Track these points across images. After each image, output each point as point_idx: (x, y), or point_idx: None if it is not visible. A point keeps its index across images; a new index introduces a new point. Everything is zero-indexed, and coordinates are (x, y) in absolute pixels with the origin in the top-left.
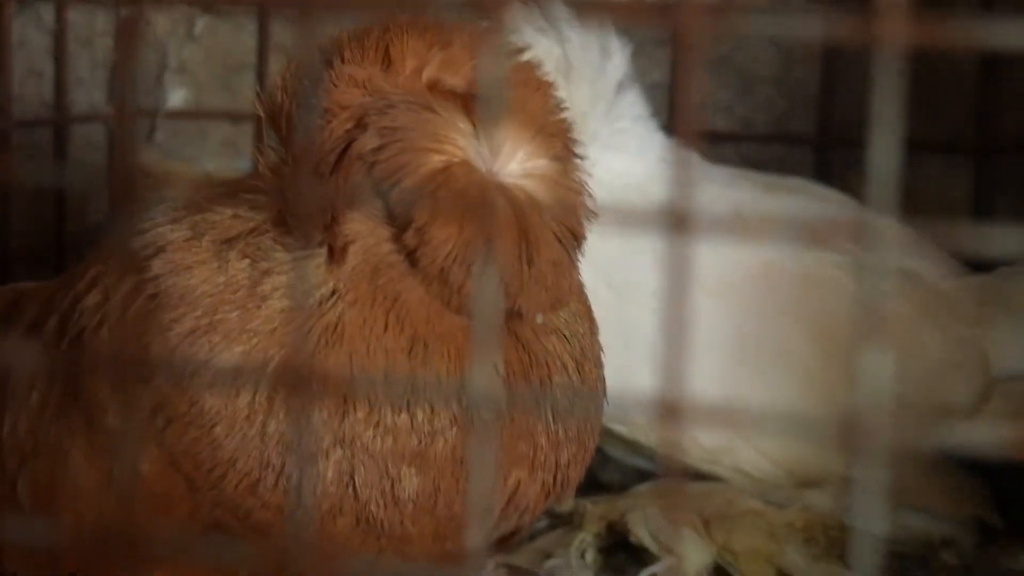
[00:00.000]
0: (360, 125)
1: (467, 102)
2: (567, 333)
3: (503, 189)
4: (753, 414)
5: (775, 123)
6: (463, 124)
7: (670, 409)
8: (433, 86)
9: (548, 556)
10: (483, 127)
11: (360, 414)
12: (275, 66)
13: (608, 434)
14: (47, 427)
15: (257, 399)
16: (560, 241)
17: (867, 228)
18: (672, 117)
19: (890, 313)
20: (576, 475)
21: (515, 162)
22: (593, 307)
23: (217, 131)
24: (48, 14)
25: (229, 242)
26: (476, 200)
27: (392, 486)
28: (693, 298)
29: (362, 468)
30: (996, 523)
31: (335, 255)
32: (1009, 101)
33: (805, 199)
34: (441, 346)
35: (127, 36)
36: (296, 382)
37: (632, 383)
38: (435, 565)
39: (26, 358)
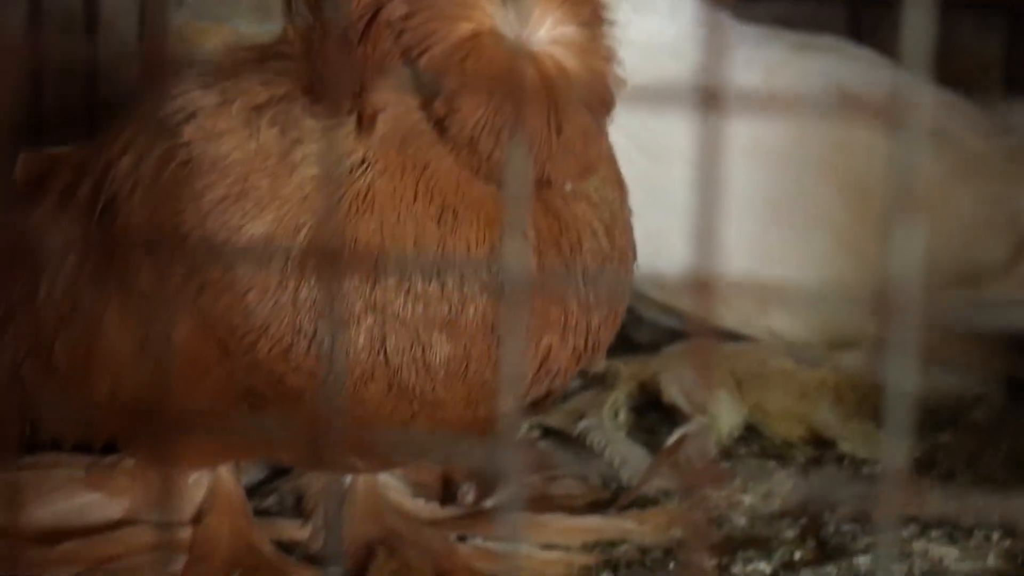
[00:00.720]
0: None
1: None
2: (597, 200)
3: (532, 56)
4: (786, 288)
5: None
6: None
7: (703, 284)
8: None
9: (580, 416)
10: None
11: (391, 281)
12: None
13: (641, 296)
14: (82, 292)
15: (289, 266)
16: (589, 108)
17: (900, 90)
18: None
19: (921, 174)
20: (607, 338)
21: (544, 29)
22: (625, 171)
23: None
24: None
25: (259, 109)
26: (504, 68)
27: (423, 352)
28: (726, 167)
29: (393, 335)
30: None
31: (364, 123)
32: None
33: (837, 58)
34: (470, 214)
35: None
36: (327, 249)
37: (664, 247)
38: (467, 431)
39: (60, 223)
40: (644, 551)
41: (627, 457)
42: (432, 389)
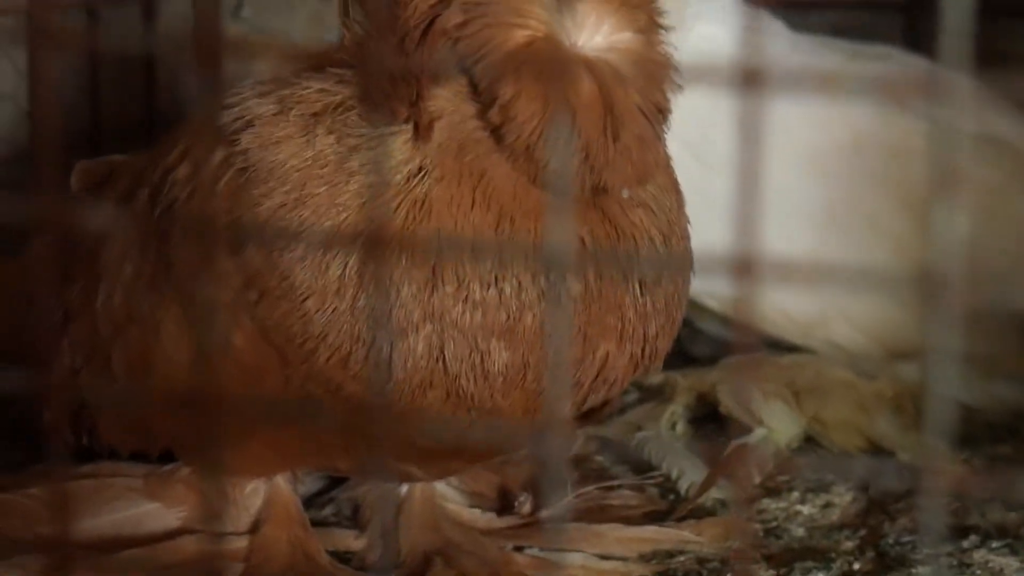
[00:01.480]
0: (444, 1)
1: None
2: (654, 207)
3: (587, 63)
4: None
5: None
6: None
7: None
8: None
9: (638, 428)
10: (566, 1)
11: (449, 289)
12: None
13: (698, 307)
14: (140, 298)
15: (347, 273)
16: (645, 115)
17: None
18: None
19: (979, 180)
20: (664, 347)
21: (599, 35)
22: (680, 179)
23: (304, 5)
24: None
25: (316, 116)
26: (560, 75)
27: (482, 360)
28: (769, 161)
29: (452, 342)
30: None
31: (421, 131)
32: None
33: (891, 65)
34: (527, 222)
35: None
36: (385, 256)
37: (718, 255)
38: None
39: (119, 230)
40: (701, 561)
41: (684, 468)
42: (490, 397)
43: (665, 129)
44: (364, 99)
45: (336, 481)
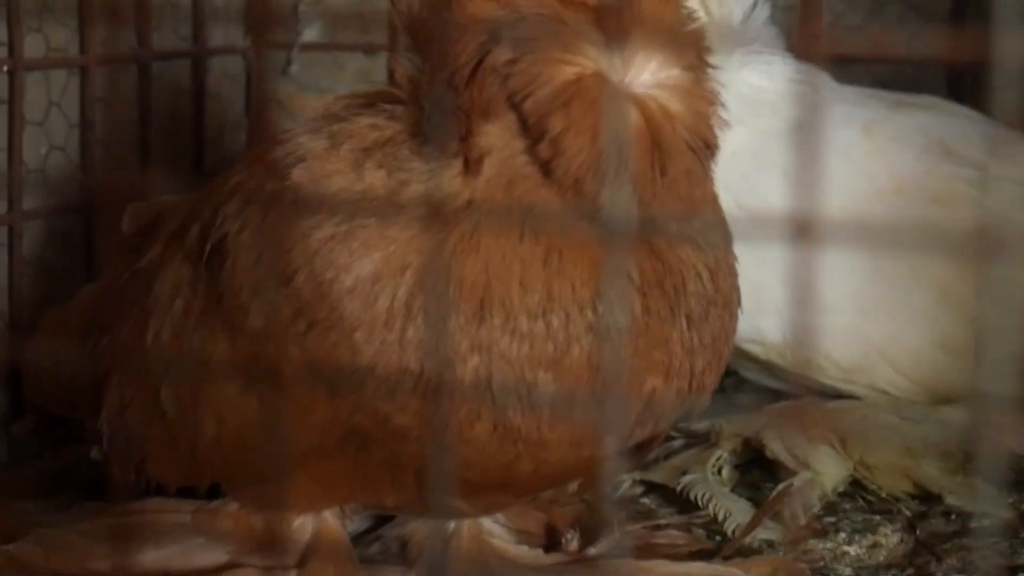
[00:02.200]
0: (494, 38)
1: (599, 13)
2: (701, 243)
3: (635, 99)
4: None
5: (907, 44)
6: (595, 35)
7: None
8: None
9: (684, 472)
10: (615, 38)
11: (497, 320)
12: None
13: (743, 355)
14: (190, 333)
15: (395, 305)
16: (693, 150)
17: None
18: (802, 39)
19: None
20: (711, 382)
21: (647, 72)
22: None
23: (352, 63)
24: None
25: (366, 151)
26: (608, 110)
27: (529, 392)
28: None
29: (499, 374)
30: None
31: (471, 166)
32: None
33: (934, 115)
34: (576, 255)
35: None
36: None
37: (766, 303)
38: (571, 473)
39: (169, 268)
40: None
41: (731, 510)
42: (537, 429)
43: (713, 165)
44: (415, 134)
45: (383, 520)
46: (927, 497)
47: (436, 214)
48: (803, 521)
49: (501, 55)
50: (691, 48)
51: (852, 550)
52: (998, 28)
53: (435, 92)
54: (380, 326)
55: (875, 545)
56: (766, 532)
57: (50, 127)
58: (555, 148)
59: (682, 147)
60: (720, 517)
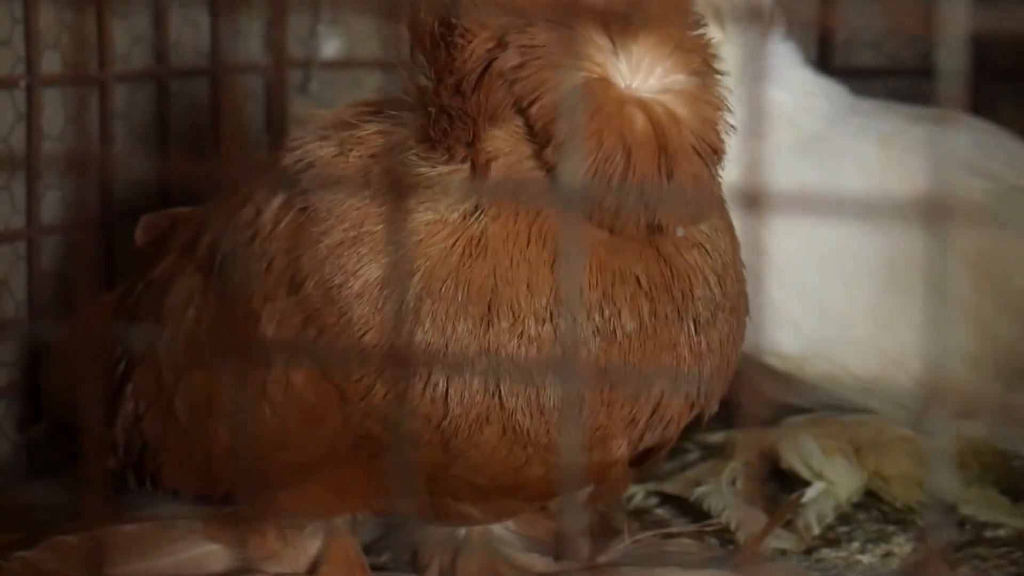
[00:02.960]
0: (500, 44)
1: (606, 19)
2: (708, 247)
3: (642, 104)
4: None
5: (924, 57)
6: (602, 41)
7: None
8: (573, 3)
9: (698, 484)
10: (622, 43)
11: (504, 324)
12: None
13: (761, 368)
14: (202, 342)
15: (403, 309)
16: (699, 155)
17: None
18: (821, 53)
19: None
20: (719, 388)
21: (654, 77)
22: (741, 238)
23: (371, 80)
24: None
25: (375, 157)
26: (614, 115)
27: (537, 395)
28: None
29: (507, 377)
30: None
31: (478, 171)
32: None
33: (952, 128)
34: (583, 259)
35: None
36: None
37: (783, 316)
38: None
39: (182, 277)
40: None
41: (744, 519)
42: (546, 432)
43: (720, 170)
44: (423, 139)
45: (394, 528)
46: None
47: (443, 220)
48: (816, 531)
49: (508, 60)
50: (697, 54)
51: (865, 559)
52: None
53: (442, 98)
54: (389, 330)
55: (888, 554)
56: (779, 541)
57: (68, 143)
58: (561, 153)
59: (688, 151)
60: (733, 526)
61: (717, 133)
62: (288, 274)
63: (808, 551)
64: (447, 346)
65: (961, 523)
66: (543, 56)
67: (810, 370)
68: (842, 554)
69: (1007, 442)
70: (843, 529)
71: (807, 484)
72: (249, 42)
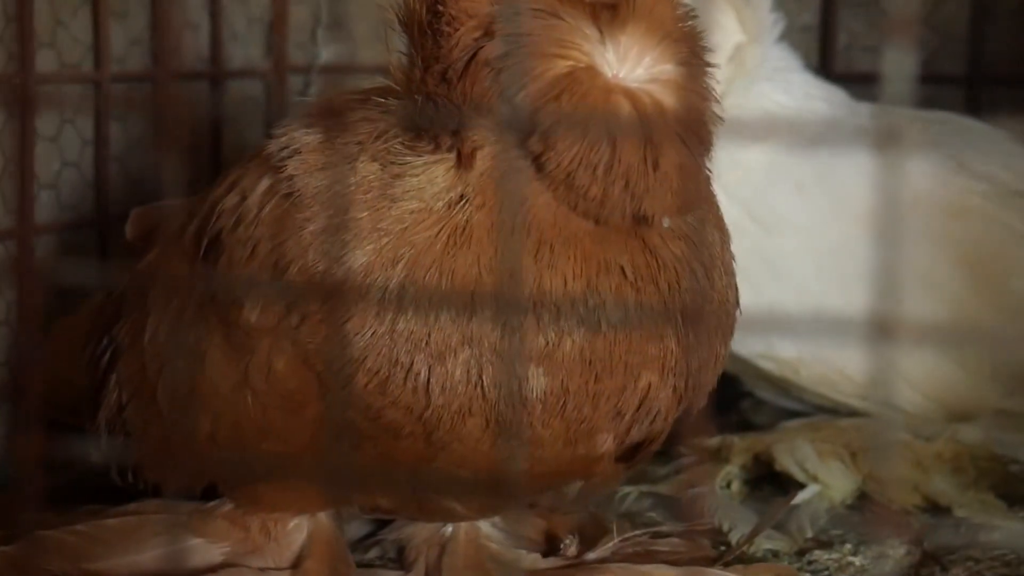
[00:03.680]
0: (487, 33)
1: (594, 9)
2: (696, 240)
3: (628, 93)
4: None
5: (925, 62)
6: (589, 30)
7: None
8: None
9: (692, 486)
10: (609, 33)
11: (487, 313)
12: None
13: (757, 374)
14: (186, 331)
15: (386, 297)
16: (686, 145)
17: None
18: (822, 58)
19: None
20: (707, 381)
21: (641, 67)
22: (739, 242)
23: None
24: None
25: (360, 145)
26: (600, 104)
27: (520, 386)
28: (827, 220)
29: (490, 367)
30: None
31: (463, 160)
32: None
33: (950, 129)
34: (567, 249)
35: None
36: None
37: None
38: (567, 471)
39: (167, 267)
40: None
41: (736, 521)
42: (530, 425)
43: (708, 161)
44: (409, 127)
45: (382, 525)
46: (937, 510)
47: (428, 208)
48: (809, 533)
49: (494, 49)
50: (685, 45)
51: (857, 560)
52: None
53: (429, 86)
54: (371, 318)
55: (881, 556)
56: (771, 542)
57: (63, 143)
58: (546, 142)
59: (675, 141)
60: (725, 527)
61: (705, 124)
62: (272, 259)
63: (800, 553)
64: (429, 335)
65: (956, 526)
66: (529, 45)
67: (806, 373)
68: (835, 555)
69: (1004, 447)
70: (836, 532)
71: (802, 487)
72: (249, 47)
